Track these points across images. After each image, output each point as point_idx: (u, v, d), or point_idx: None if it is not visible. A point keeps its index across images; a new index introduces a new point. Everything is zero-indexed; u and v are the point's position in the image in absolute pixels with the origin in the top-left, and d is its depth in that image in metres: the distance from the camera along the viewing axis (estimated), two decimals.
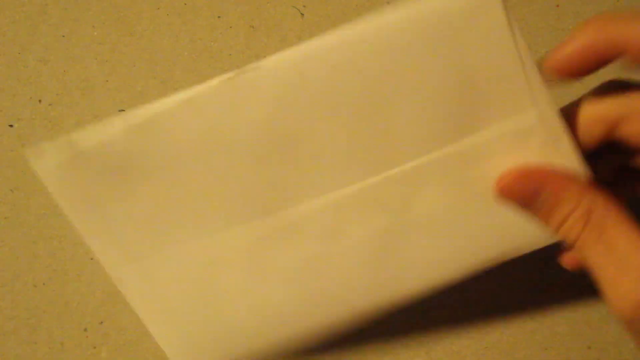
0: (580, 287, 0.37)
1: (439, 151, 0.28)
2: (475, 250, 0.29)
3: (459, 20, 0.26)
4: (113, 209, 0.27)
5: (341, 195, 0.28)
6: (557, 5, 0.38)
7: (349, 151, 0.27)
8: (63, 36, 0.39)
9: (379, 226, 0.28)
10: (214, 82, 0.25)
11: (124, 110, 0.38)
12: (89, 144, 0.27)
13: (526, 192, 0.28)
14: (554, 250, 0.39)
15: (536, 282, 0.37)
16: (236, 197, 0.27)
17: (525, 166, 0.28)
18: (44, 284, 0.37)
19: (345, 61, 0.26)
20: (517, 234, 0.29)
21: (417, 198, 0.28)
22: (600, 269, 0.25)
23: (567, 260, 0.32)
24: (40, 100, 0.38)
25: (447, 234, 0.29)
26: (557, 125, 0.27)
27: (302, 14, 0.39)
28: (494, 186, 0.29)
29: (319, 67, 0.26)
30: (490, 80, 0.27)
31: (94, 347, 0.37)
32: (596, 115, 0.28)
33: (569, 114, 0.28)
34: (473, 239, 0.29)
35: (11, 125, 0.38)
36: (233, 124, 0.26)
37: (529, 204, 0.28)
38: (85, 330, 0.37)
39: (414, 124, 0.27)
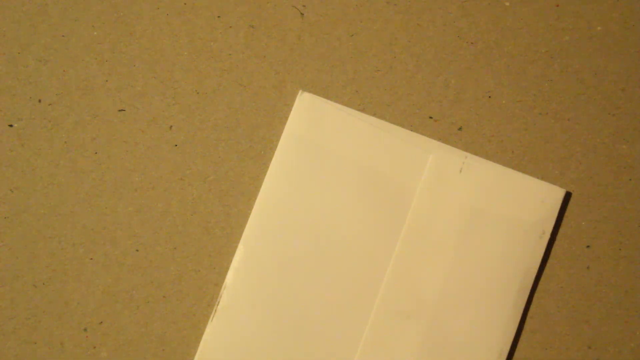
0: (580, 286, 0.37)
1: None
2: None
3: None
4: None
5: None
6: (557, 5, 0.38)
7: None
8: (63, 36, 0.39)
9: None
10: None
11: (124, 110, 0.38)
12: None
13: None
14: (553, 250, 0.39)
15: (536, 281, 0.37)
16: None
17: None
18: (44, 284, 0.37)
19: None
20: None
21: None
22: None
23: None
24: (40, 100, 0.38)
25: None
26: None
27: (302, 14, 0.39)
28: None
29: None
30: None
31: (94, 347, 0.37)
32: None
33: None
34: None
35: (11, 125, 0.38)
36: None
37: None
38: (85, 330, 0.37)
39: None
